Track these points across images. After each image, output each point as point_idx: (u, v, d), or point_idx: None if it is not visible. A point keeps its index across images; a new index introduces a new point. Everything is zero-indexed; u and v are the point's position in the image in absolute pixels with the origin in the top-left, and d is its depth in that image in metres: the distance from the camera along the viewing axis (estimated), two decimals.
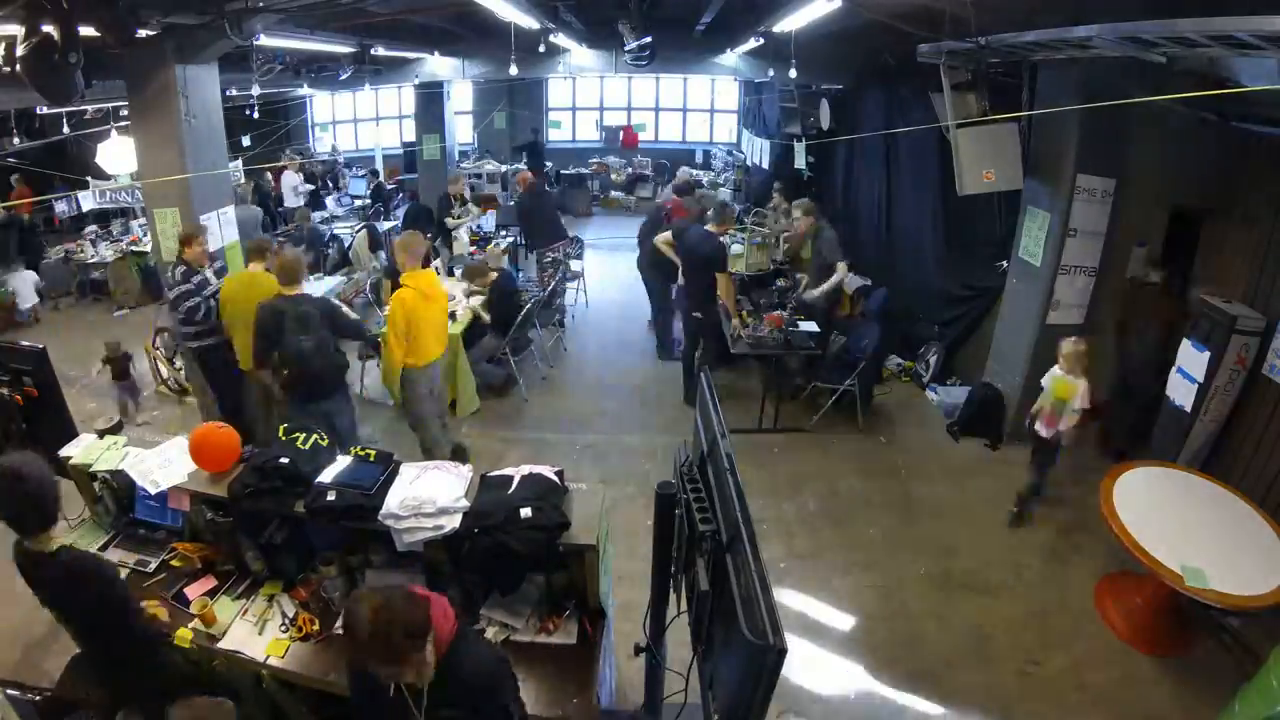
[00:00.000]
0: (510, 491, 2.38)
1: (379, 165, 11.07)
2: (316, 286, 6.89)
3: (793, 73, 6.66)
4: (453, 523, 2.32)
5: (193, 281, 4.44)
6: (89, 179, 8.94)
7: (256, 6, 4.03)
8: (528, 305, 5.96)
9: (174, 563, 2.66)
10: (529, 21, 6.15)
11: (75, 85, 3.20)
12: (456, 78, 9.38)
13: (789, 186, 8.87)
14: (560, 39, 7.66)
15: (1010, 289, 5.35)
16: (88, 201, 9.29)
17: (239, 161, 9.45)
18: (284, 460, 2.51)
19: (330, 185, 11.95)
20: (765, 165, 10.04)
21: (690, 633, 1.94)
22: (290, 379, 3.98)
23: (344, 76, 7.87)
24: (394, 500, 2.36)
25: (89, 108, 7.17)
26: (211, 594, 2.56)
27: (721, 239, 5.37)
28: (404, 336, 4.11)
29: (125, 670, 2.37)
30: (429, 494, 2.37)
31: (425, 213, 8.72)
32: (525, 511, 2.27)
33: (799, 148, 8.36)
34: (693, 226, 5.59)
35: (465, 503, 2.37)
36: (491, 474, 2.52)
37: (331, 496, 2.40)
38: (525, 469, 2.49)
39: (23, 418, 2.89)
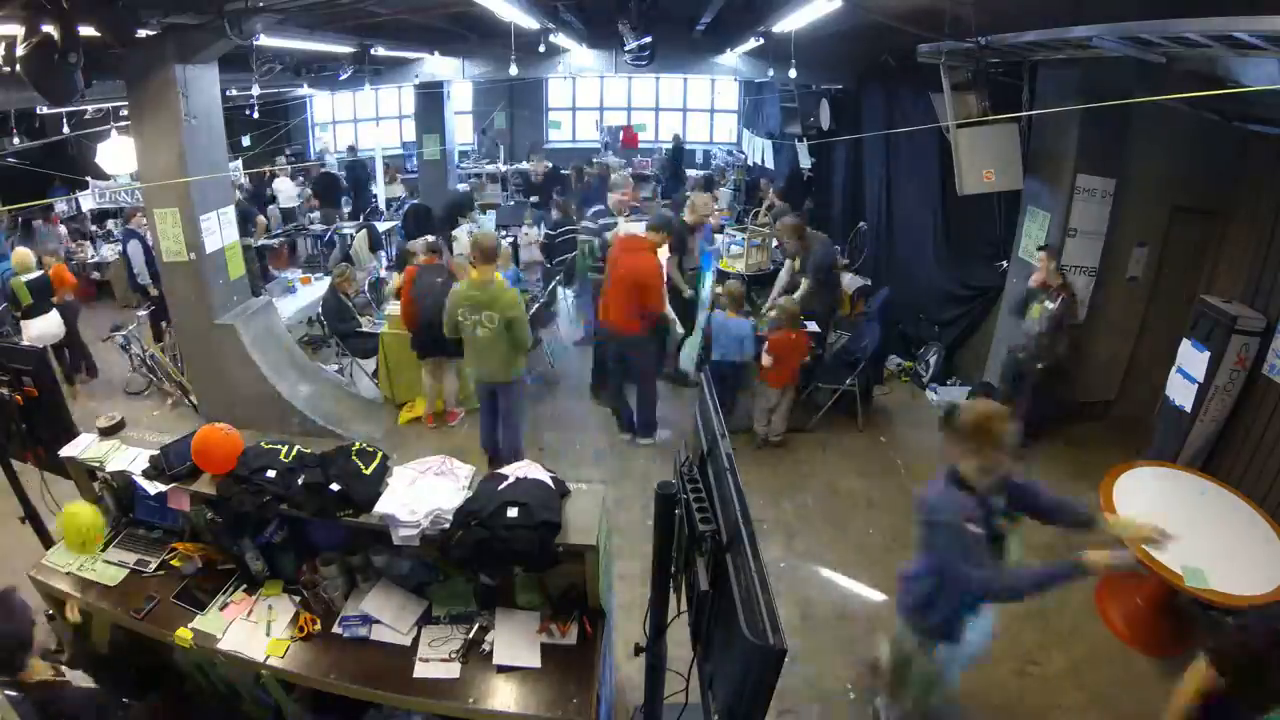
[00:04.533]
0: (501, 488, 2.39)
1: (379, 165, 11.07)
2: (318, 286, 6.90)
3: (793, 73, 6.65)
4: (443, 524, 2.33)
5: None
6: (89, 179, 8.93)
7: (256, 6, 4.03)
8: (534, 308, 5.99)
9: (174, 562, 2.66)
10: (529, 21, 6.15)
11: (75, 85, 3.21)
12: (456, 78, 9.37)
13: (791, 185, 8.87)
14: (560, 39, 7.65)
15: (1010, 289, 5.35)
16: (88, 201, 9.28)
17: (239, 161, 9.44)
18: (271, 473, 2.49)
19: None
20: (766, 165, 10.04)
21: (690, 633, 1.93)
22: None
23: (344, 76, 7.86)
24: (390, 502, 2.38)
25: (89, 108, 7.15)
26: (211, 594, 2.55)
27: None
28: None
29: None
30: (426, 500, 2.37)
31: (425, 211, 8.72)
32: (511, 512, 2.28)
33: (801, 148, 8.35)
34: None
35: (459, 504, 2.38)
36: (490, 473, 2.53)
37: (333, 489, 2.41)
38: (522, 471, 2.50)
39: (23, 418, 2.89)
